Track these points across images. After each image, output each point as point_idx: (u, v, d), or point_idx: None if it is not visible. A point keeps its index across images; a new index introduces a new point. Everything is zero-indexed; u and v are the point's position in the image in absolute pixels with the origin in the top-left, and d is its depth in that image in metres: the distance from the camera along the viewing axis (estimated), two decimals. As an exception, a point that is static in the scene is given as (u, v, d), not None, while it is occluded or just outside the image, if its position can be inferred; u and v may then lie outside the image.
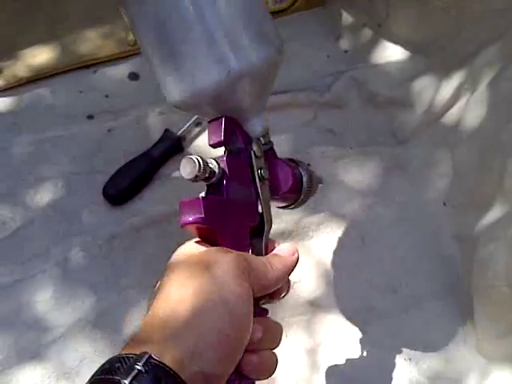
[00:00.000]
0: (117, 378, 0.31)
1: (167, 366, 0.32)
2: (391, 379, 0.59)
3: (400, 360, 0.61)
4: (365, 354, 0.61)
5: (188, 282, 0.36)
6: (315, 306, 0.66)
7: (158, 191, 0.75)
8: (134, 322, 0.64)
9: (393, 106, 0.82)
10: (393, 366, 0.60)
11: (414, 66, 0.83)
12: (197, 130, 0.81)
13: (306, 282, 0.67)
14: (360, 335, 0.63)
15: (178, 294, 0.36)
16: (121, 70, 0.88)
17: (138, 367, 0.31)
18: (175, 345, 0.33)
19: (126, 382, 0.30)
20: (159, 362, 0.32)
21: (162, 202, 0.74)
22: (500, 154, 0.62)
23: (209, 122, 0.44)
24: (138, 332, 0.35)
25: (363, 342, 0.62)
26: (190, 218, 0.41)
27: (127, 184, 0.74)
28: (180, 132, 0.79)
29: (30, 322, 0.64)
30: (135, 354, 0.32)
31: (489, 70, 0.69)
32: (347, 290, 0.67)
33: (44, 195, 0.75)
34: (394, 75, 0.84)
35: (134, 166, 0.76)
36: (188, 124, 0.80)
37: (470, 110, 0.70)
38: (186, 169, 0.40)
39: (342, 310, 0.65)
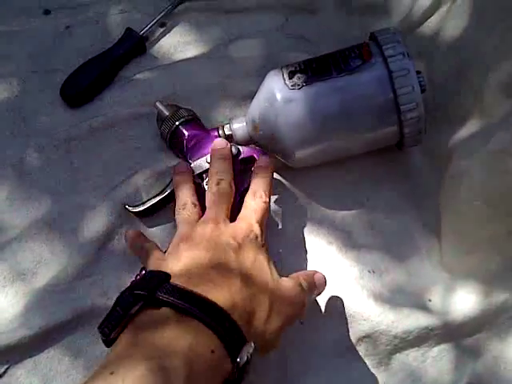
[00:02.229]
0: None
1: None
2: (354, 291, 0.59)
3: (364, 272, 0.61)
4: (328, 267, 0.61)
5: None
6: (278, 214, 0.65)
7: (119, 93, 0.71)
8: (90, 227, 0.63)
9: (368, 11, 0.78)
10: (357, 278, 0.60)
11: (392, -31, 0.79)
12: (160, 30, 0.77)
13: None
14: (325, 248, 0.63)
15: None
16: (81, -38, 0.82)
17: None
18: None
19: None
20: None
21: (122, 104, 0.70)
22: (482, 65, 0.60)
23: None
24: None
25: (327, 255, 0.62)
26: None
27: (86, 85, 0.70)
28: (143, 32, 0.74)
29: (-16, 223, 0.63)
30: None
31: None
32: (312, 197, 0.66)
33: (-2, 93, 0.71)
34: (370, -21, 0.79)
35: (93, 66, 0.72)
36: (151, 23, 0.75)
37: (451, 19, 0.67)
38: None
39: (307, 219, 0.65)
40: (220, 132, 0.65)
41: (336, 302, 0.59)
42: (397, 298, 0.59)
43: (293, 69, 0.61)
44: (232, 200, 0.57)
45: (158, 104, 0.66)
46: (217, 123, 0.68)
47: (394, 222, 0.64)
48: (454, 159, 0.60)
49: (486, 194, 0.54)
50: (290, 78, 0.60)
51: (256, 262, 0.50)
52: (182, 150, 0.64)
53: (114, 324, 0.43)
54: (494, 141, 0.53)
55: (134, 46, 0.74)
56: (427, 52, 0.70)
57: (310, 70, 0.60)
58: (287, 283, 0.51)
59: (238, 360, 0.43)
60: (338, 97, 0.59)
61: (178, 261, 0.50)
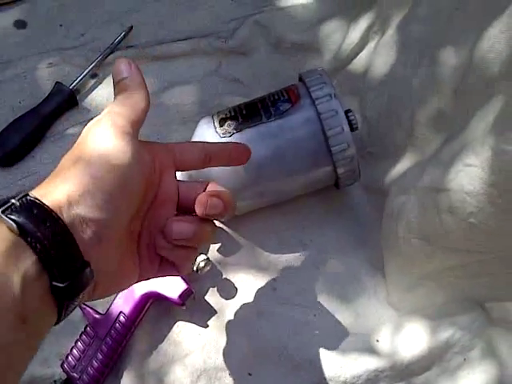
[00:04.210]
0: None
1: (44, 204, 0.33)
2: (301, 335, 0.59)
3: (310, 317, 0.60)
4: (274, 311, 0.60)
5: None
6: (222, 263, 0.64)
7: (52, 149, 0.70)
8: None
9: (300, 51, 0.79)
10: (302, 322, 0.59)
11: (322, 8, 0.80)
12: (92, 81, 0.76)
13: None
14: (269, 295, 0.62)
15: (69, 154, 0.39)
16: (5, 18, 0.80)
17: (13, 201, 0.33)
18: (54, 192, 0.35)
19: None
20: (36, 198, 0.33)
21: (55, 161, 0.68)
22: (410, 101, 0.61)
23: None
24: None
25: (272, 300, 0.61)
26: None
27: (16, 143, 0.68)
28: (73, 85, 0.73)
29: None
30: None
31: (398, 10, 0.66)
32: (255, 242, 0.65)
33: None
34: (300, 18, 0.80)
35: (23, 124, 0.70)
36: (82, 76, 0.74)
37: (379, 55, 0.68)
38: None
39: (251, 266, 0.64)
40: None
41: (283, 351, 0.58)
42: (344, 341, 0.58)
43: (223, 116, 0.61)
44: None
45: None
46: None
47: (338, 261, 0.64)
48: (389, 196, 0.60)
49: (421, 231, 0.53)
50: (221, 125, 0.60)
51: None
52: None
53: None
54: (426, 177, 0.53)
55: (65, 100, 0.72)
56: (359, 88, 0.71)
57: (241, 116, 0.60)
58: None
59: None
60: (269, 142, 0.59)
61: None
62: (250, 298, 0.61)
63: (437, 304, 0.58)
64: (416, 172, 0.56)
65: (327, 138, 0.58)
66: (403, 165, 0.61)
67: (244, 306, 0.61)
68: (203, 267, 0.59)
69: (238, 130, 0.59)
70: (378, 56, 0.69)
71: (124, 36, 0.78)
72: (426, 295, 0.58)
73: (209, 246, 0.64)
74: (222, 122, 0.60)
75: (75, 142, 0.67)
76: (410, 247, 0.55)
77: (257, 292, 0.62)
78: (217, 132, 0.59)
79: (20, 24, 0.80)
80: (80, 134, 0.40)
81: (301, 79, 0.63)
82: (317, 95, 0.59)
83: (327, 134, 0.58)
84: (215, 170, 0.58)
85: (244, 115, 0.60)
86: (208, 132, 0.60)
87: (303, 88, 0.61)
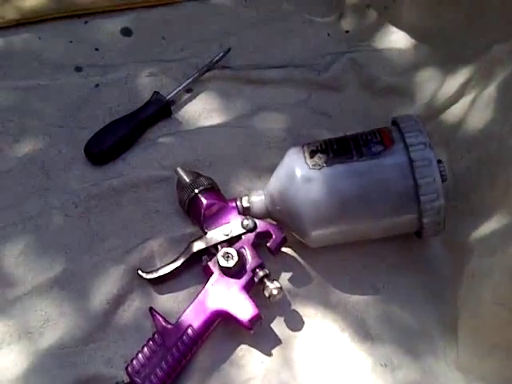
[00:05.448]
0: None
1: None
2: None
3: (376, 365, 0.59)
4: (340, 356, 0.59)
5: None
6: (292, 293, 0.64)
7: (142, 155, 0.72)
8: (101, 290, 0.62)
9: (392, 94, 0.79)
10: (369, 371, 0.58)
11: (418, 54, 0.81)
12: (187, 95, 0.79)
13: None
14: (337, 335, 0.61)
15: None
16: (114, 24, 0.84)
17: None
18: None
19: None
20: None
21: (144, 166, 0.71)
22: (506, 162, 0.59)
23: None
24: None
25: (339, 343, 0.60)
26: None
27: (110, 144, 0.71)
28: (170, 96, 0.76)
29: (-4, 276, 0.62)
30: None
31: (500, 68, 0.65)
32: (327, 279, 0.65)
33: (23, 146, 0.72)
34: (396, 62, 0.81)
35: (119, 126, 0.73)
36: (178, 88, 0.77)
37: (475, 110, 0.67)
38: None
39: (320, 302, 0.64)
40: (238, 203, 0.65)
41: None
42: None
43: (314, 148, 0.62)
44: None
45: (178, 169, 0.67)
46: (236, 193, 0.68)
47: (409, 313, 0.62)
48: (474, 256, 0.58)
49: (506, 298, 0.52)
50: (311, 157, 0.61)
51: None
52: (198, 217, 0.65)
53: None
54: None
55: (160, 109, 0.75)
56: (449, 140, 0.70)
57: (332, 151, 0.61)
58: None
59: None
60: (357, 181, 0.60)
61: None
62: (316, 335, 0.61)
63: (507, 377, 0.55)
64: (505, 234, 0.55)
65: (417, 186, 0.58)
66: (492, 226, 0.59)
67: (310, 343, 0.60)
68: (276, 295, 0.59)
69: (327, 164, 0.60)
70: (473, 111, 0.68)
71: (222, 56, 0.80)
72: (498, 365, 0.56)
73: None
74: (312, 154, 0.61)
75: (164, 150, 0.71)
76: (491, 313, 0.54)
77: (324, 330, 0.61)
78: (306, 163, 0.60)
79: (126, 31, 0.84)
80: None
81: (394, 123, 0.63)
82: (411, 142, 0.59)
83: (418, 183, 0.58)
84: (299, 200, 0.60)
85: (335, 150, 0.61)
86: (297, 162, 0.61)
87: (397, 133, 0.61)
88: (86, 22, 0.84)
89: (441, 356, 0.59)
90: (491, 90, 0.66)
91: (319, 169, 0.60)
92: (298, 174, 0.60)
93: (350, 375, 0.58)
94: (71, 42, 0.82)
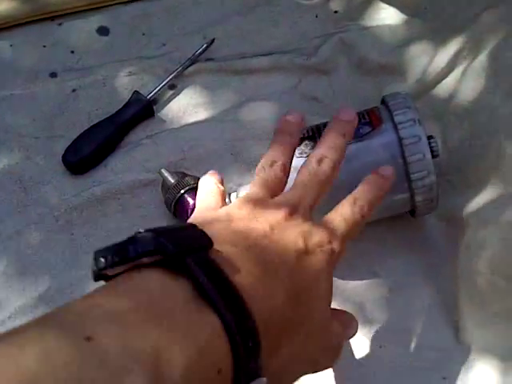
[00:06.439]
0: None
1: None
2: (366, 367, 0.57)
3: (375, 348, 0.58)
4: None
5: None
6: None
7: (125, 159, 0.69)
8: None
9: (383, 72, 0.76)
10: (366, 354, 0.58)
11: (409, 30, 0.77)
12: (170, 92, 0.75)
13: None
14: None
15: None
16: (89, 24, 0.80)
17: None
18: None
19: None
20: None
21: (127, 171, 0.68)
22: (497, 133, 0.58)
23: None
24: None
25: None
26: None
27: (90, 151, 0.68)
28: (151, 95, 0.72)
29: (-22, 300, 0.59)
30: None
31: (491, 36, 0.63)
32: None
33: (-2, 160, 0.69)
34: (386, 40, 0.77)
35: (98, 131, 0.69)
36: (160, 86, 0.73)
37: (467, 81, 0.65)
38: None
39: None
40: (227, 200, 0.61)
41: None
42: (408, 375, 0.56)
43: (301, 135, 0.59)
44: (328, 188, 0.47)
45: (162, 171, 0.64)
46: (226, 190, 0.65)
47: (408, 292, 0.61)
48: (469, 228, 0.57)
49: (503, 268, 0.51)
50: (298, 144, 0.58)
51: (315, 281, 0.40)
52: (186, 218, 0.61)
53: (116, 261, 0.33)
54: (509, 212, 0.51)
55: (142, 110, 0.71)
56: (442, 114, 0.68)
57: (319, 137, 0.58)
58: (336, 329, 0.44)
59: None
60: (346, 166, 0.56)
61: (228, 227, 0.40)
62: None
63: (509, 346, 0.55)
64: (499, 204, 0.54)
65: (407, 164, 0.56)
66: (485, 196, 0.58)
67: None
68: None
69: None
70: (465, 82, 0.66)
71: (206, 48, 0.77)
72: (498, 334, 0.56)
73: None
74: (299, 142, 0.58)
75: (148, 152, 0.68)
76: (489, 283, 0.53)
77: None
78: None
79: (103, 31, 0.80)
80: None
81: (383, 102, 0.61)
82: (400, 120, 0.57)
83: (407, 160, 0.56)
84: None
85: None
86: None
87: (386, 111, 0.59)
88: (59, 24, 0.80)
89: (442, 332, 0.59)
90: (482, 58, 0.64)
91: (306, 156, 0.57)
92: None
93: (349, 360, 0.57)
94: (45, 46, 0.78)
